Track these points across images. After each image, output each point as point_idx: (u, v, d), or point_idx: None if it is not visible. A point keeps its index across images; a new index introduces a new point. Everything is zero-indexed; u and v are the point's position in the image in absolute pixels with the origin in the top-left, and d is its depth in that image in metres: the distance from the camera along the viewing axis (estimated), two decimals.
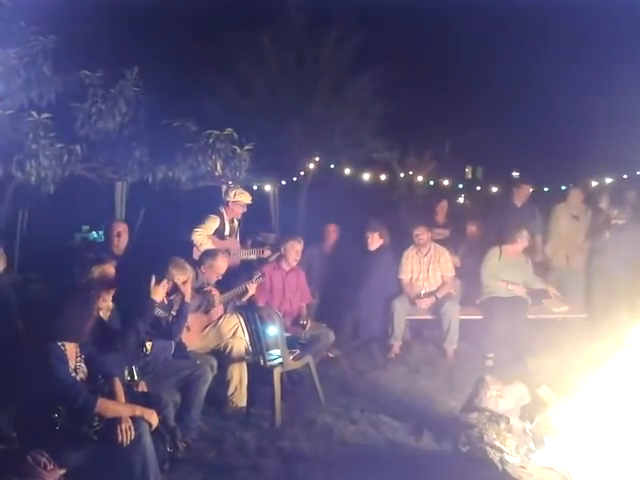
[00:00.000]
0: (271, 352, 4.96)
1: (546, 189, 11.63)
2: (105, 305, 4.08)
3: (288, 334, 5.31)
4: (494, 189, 11.87)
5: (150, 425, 3.40)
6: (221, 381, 4.97)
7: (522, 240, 6.60)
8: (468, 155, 19.19)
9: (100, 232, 9.10)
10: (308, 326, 5.67)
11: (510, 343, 6.12)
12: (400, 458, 4.16)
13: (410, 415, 4.79)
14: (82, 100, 5.59)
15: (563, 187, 11.06)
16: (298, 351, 5.16)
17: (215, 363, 4.83)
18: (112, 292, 4.09)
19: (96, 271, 4.06)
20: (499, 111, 17.33)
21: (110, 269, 4.13)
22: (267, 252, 6.61)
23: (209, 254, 5.46)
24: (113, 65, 5.88)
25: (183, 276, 4.58)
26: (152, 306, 4.21)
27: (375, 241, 6.78)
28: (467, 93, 16.80)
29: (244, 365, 5.07)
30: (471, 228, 7.69)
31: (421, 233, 6.71)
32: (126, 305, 4.18)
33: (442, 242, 7.11)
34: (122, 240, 5.80)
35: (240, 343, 5.12)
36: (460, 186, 14.38)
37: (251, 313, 4.99)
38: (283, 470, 4.04)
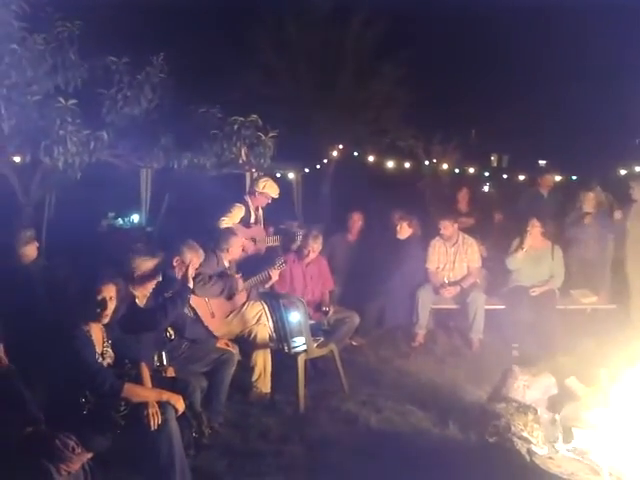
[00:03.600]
0: (295, 339, 4.95)
1: (574, 177, 11.44)
2: (142, 294, 4.12)
3: (312, 321, 5.30)
4: (520, 177, 11.71)
5: (176, 410, 3.42)
6: (245, 367, 4.99)
7: (532, 229, 6.44)
8: (494, 143, 18.95)
9: (126, 219, 9.18)
10: (330, 312, 5.64)
11: (537, 333, 6.04)
12: (425, 447, 4.13)
13: (435, 404, 4.76)
14: (108, 86, 5.60)
15: (574, 177, 10.87)
16: (322, 338, 5.16)
17: (237, 349, 4.85)
18: (153, 283, 4.12)
19: (139, 262, 4.09)
20: (525, 98, 17.06)
21: (152, 262, 4.15)
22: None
23: (228, 230, 5.51)
24: (139, 51, 5.88)
25: (196, 258, 4.57)
26: (187, 291, 4.23)
27: (404, 230, 6.72)
28: (493, 80, 16.56)
29: (268, 352, 5.08)
30: (499, 217, 7.58)
31: (445, 227, 6.62)
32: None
33: (469, 231, 7.01)
34: None
35: (264, 330, 5.13)
36: (486, 174, 14.20)
37: (275, 300, 4.98)
38: (307, 456, 4.05)
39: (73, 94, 5.29)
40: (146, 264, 4.09)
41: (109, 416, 3.23)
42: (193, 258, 4.52)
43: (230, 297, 5.23)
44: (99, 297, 3.39)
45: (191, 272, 4.30)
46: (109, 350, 3.51)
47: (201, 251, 4.68)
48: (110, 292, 3.43)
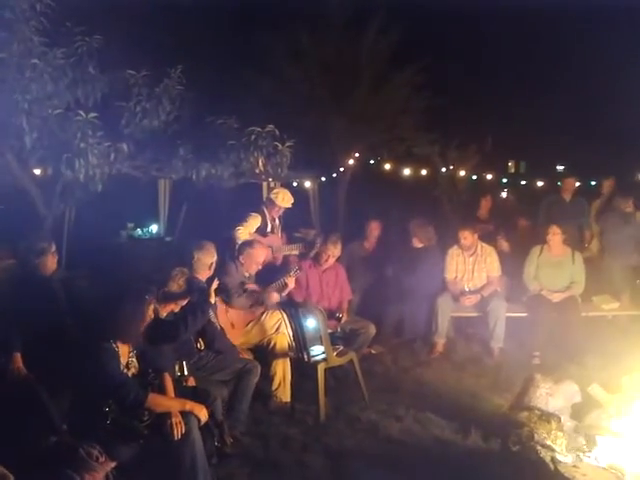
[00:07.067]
0: (314, 348, 4.95)
1: (593, 183, 11.35)
2: (165, 310, 4.16)
3: (330, 330, 5.30)
4: (539, 183, 11.63)
5: (199, 420, 3.43)
6: (265, 376, 4.98)
7: (553, 237, 6.40)
8: (511, 149, 18.87)
9: (145, 229, 9.25)
10: (344, 319, 5.64)
11: (559, 340, 5.99)
12: (448, 456, 4.11)
13: (456, 413, 4.72)
14: (127, 99, 5.65)
15: (593, 182, 10.79)
16: (342, 347, 5.15)
17: (251, 355, 4.92)
18: (177, 306, 4.18)
19: (173, 285, 4.15)
20: (542, 103, 16.99)
21: (184, 286, 4.21)
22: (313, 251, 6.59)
23: (246, 243, 5.54)
24: (157, 64, 5.93)
25: (209, 258, 4.67)
26: (207, 304, 4.28)
27: (418, 242, 6.71)
28: (509, 86, 16.52)
29: (287, 361, 5.08)
30: (522, 223, 7.55)
31: (465, 237, 6.54)
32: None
33: (488, 237, 6.96)
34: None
35: (283, 339, 5.14)
36: (504, 180, 14.15)
37: (294, 309, 4.99)
38: (328, 466, 4.04)
39: (93, 107, 5.36)
40: (178, 288, 4.16)
41: (133, 426, 3.26)
42: (208, 258, 4.63)
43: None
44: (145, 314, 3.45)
45: (214, 286, 4.33)
46: (134, 360, 3.53)
47: (213, 249, 4.75)
48: (150, 311, 3.52)
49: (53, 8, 5.28)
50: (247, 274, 5.41)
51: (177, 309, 4.16)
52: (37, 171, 6.44)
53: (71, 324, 4.28)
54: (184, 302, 4.17)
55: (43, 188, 5.97)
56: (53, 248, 4.60)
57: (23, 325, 4.08)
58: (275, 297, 5.40)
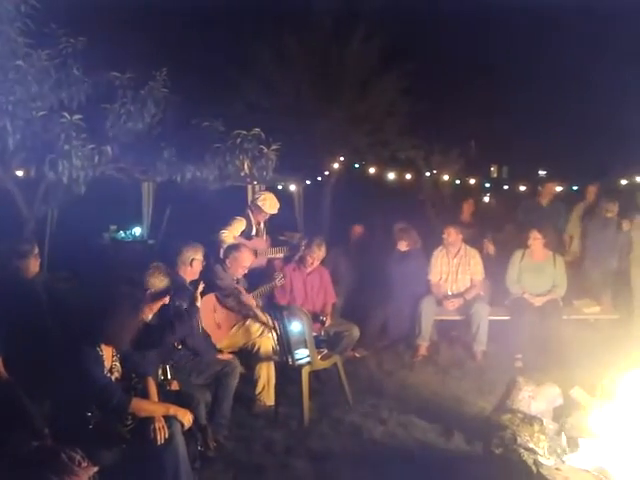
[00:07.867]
0: (298, 351, 4.95)
1: (575, 188, 11.48)
2: (151, 310, 4.13)
3: (314, 333, 5.31)
4: (521, 188, 11.74)
5: (182, 424, 3.42)
6: (249, 380, 4.98)
7: (533, 241, 6.47)
8: (493, 154, 19.02)
9: (128, 232, 9.21)
10: (327, 322, 5.65)
11: (540, 344, 6.04)
12: (431, 459, 4.13)
13: (439, 416, 4.75)
14: (112, 101, 5.62)
15: (575, 187, 10.94)
16: (326, 350, 5.16)
17: (237, 360, 4.88)
18: (163, 301, 4.15)
19: (154, 280, 4.12)
20: (525, 108, 17.13)
21: (166, 281, 4.18)
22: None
23: (232, 247, 5.53)
24: (142, 67, 5.90)
25: (191, 253, 4.67)
26: (195, 309, 4.25)
27: (402, 245, 6.75)
28: (492, 90, 16.65)
29: (272, 364, 5.08)
30: (509, 227, 7.64)
31: (448, 234, 6.61)
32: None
33: (472, 241, 7.01)
34: None
35: (268, 342, 5.14)
36: (487, 185, 14.29)
37: (279, 312, 4.99)
38: (312, 469, 4.04)
39: (77, 109, 5.33)
40: (160, 283, 4.12)
41: (115, 430, 3.24)
42: (189, 253, 4.62)
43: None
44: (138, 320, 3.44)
45: (200, 289, 4.32)
46: (117, 364, 3.51)
47: (197, 246, 4.76)
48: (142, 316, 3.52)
49: (38, 9, 5.24)
50: (235, 278, 5.41)
51: (167, 302, 4.13)
52: (20, 172, 6.37)
53: (53, 327, 4.24)
54: (167, 299, 4.14)
55: (26, 190, 5.92)
56: (36, 250, 4.55)
57: (4, 328, 4.04)
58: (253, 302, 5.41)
